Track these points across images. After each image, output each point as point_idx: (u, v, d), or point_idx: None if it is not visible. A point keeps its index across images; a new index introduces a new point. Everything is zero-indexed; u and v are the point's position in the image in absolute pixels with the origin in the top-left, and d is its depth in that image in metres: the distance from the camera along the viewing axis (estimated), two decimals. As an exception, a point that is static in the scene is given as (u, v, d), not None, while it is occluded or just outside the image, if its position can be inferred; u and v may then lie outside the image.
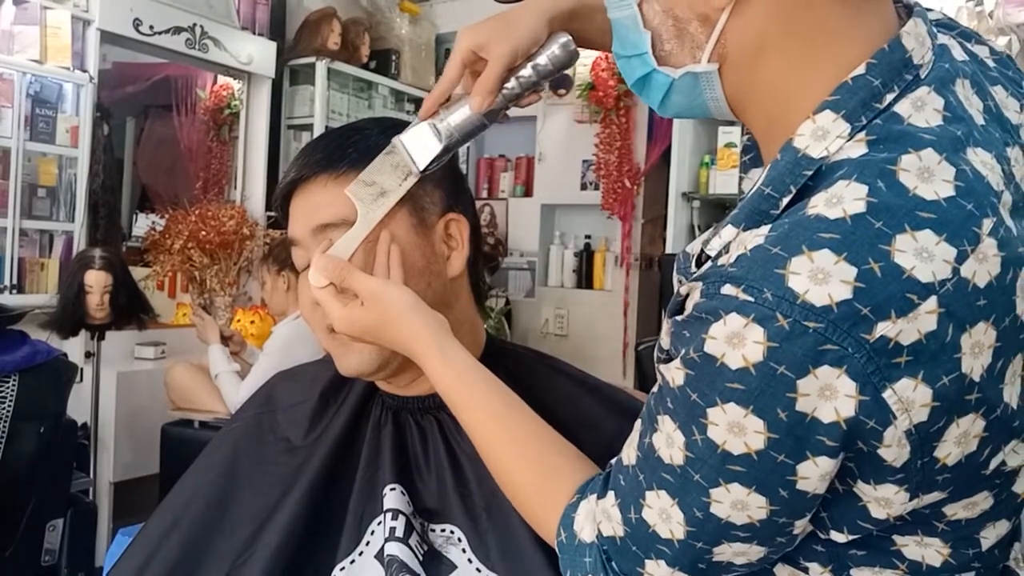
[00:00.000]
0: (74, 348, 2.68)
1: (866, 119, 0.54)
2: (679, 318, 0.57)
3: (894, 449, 0.51)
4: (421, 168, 0.80)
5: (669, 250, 3.24)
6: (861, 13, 0.56)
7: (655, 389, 0.61)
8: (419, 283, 0.83)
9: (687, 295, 0.58)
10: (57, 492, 2.25)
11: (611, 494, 0.64)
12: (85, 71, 2.95)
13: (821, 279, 0.49)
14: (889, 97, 0.54)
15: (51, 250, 3.01)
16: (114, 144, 3.77)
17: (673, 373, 0.56)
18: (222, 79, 3.88)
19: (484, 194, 4.26)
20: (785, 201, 0.55)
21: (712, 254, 0.58)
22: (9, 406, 2.02)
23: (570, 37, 0.77)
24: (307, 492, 0.85)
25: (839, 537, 0.58)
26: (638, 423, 0.65)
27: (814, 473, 0.52)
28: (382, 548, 0.79)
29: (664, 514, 0.58)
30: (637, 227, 3.75)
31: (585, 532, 0.66)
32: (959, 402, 0.50)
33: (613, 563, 0.63)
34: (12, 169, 2.78)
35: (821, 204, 0.51)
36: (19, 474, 2.03)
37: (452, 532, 0.81)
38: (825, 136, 0.55)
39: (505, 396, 0.76)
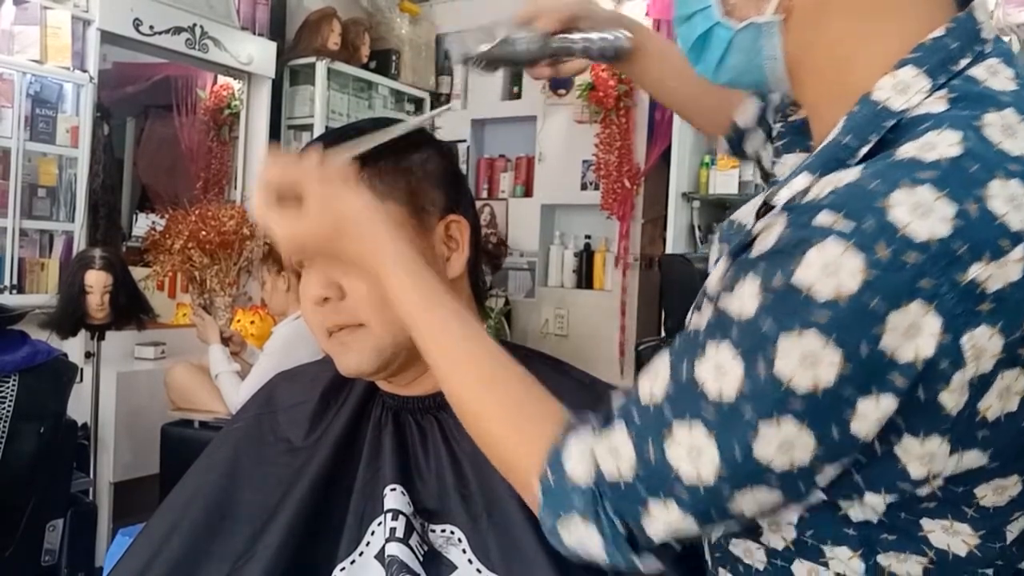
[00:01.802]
0: (74, 348, 2.68)
1: (945, 78, 0.55)
2: (751, 255, 0.55)
3: (956, 395, 0.51)
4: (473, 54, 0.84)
5: (669, 250, 3.24)
6: None
7: (698, 324, 0.58)
8: None
9: (756, 235, 0.56)
10: (57, 492, 2.25)
11: (619, 431, 0.60)
12: (85, 71, 2.95)
13: (922, 213, 0.49)
14: (964, 61, 0.56)
15: (51, 250, 3.01)
16: (114, 144, 3.78)
17: (743, 302, 0.54)
18: (222, 79, 3.88)
19: (484, 194, 4.26)
20: (864, 151, 0.55)
21: (781, 203, 0.57)
22: (9, 406, 2.02)
23: (631, 39, 0.83)
24: (308, 492, 0.85)
25: (875, 501, 0.57)
26: (660, 359, 0.60)
27: (872, 415, 0.51)
28: (383, 548, 0.79)
29: (694, 451, 0.55)
30: (637, 227, 3.75)
31: (579, 471, 0.60)
32: (1014, 356, 0.51)
33: (607, 505, 0.59)
34: (12, 169, 2.78)
35: (913, 150, 0.52)
36: (19, 474, 2.03)
37: (452, 532, 0.81)
38: (906, 90, 0.55)
39: (477, 327, 0.70)
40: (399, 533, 0.79)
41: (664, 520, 0.57)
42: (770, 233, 0.54)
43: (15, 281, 2.86)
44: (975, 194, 0.49)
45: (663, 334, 2.92)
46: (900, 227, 0.49)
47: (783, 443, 0.53)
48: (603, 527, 0.59)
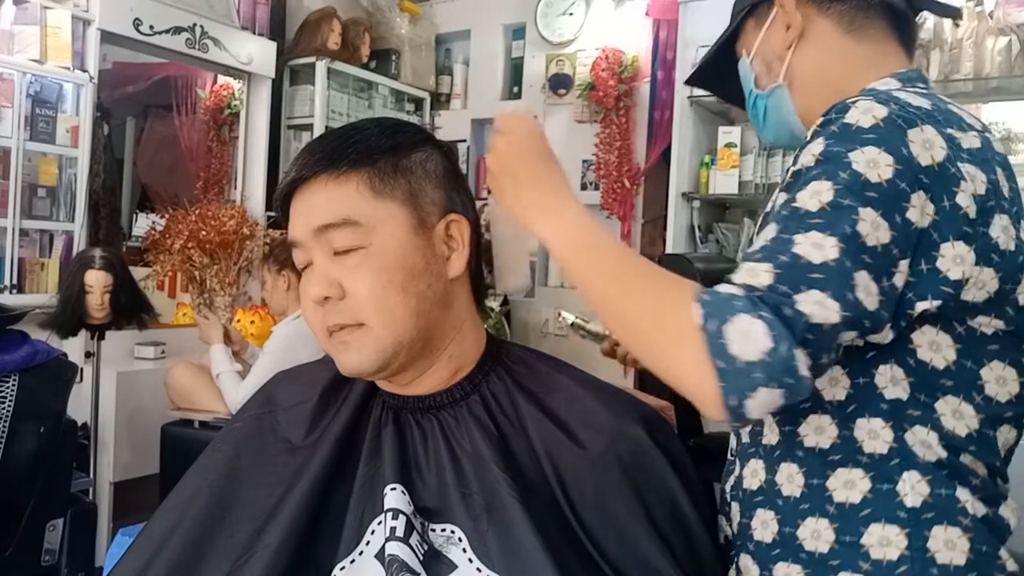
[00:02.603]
0: (74, 348, 2.68)
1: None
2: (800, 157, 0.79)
3: (967, 196, 0.75)
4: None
5: (669, 250, 3.24)
6: (878, 45, 0.92)
7: (785, 201, 0.76)
8: (419, 284, 0.83)
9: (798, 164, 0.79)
10: (57, 492, 2.25)
11: (750, 265, 0.72)
12: (85, 71, 2.95)
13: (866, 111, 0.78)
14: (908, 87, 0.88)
15: (51, 250, 3.01)
16: (114, 144, 3.78)
17: (807, 158, 0.77)
18: (222, 79, 3.88)
19: (484, 194, 4.26)
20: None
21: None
22: (9, 406, 2.02)
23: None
24: (308, 492, 0.85)
25: (925, 306, 0.75)
26: (764, 232, 0.76)
27: (919, 204, 0.73)
28: (383, 547, 0.79)
29: (817, 245, 0.70)
30: (637, 227, 3.74)
31: (730, 288, 0.71)
32: (988, 207, 0.77)
33: (763, 299, 0.68)
34: (12, 169, 2.77)
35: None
36: (19, 474, 2.03)
37: (453, 532, 0.81)
38: (886, 84, 0.88)
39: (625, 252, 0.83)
40: (399, 532, 0.79)
41: (811, 302, 0.68)
42: (807, 151, 0.78)
43: (15, 281, 2.85)
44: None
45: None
46: (904, 102, 0.80)
47: (872, 222, 0.71)
48: (764, 315, 0.67)
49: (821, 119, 0.81)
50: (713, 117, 3.30)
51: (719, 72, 1.07)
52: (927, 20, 2.63)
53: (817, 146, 0.77)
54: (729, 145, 3.13)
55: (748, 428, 0.90)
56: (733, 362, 0.66)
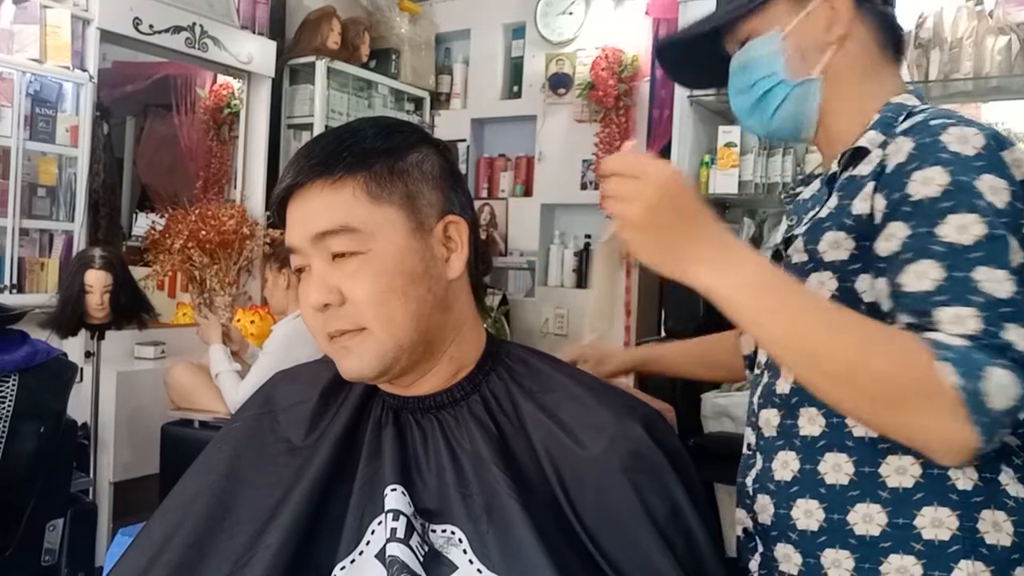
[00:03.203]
0: (74, 348, 2.68)
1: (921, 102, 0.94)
2: (899, 175, 0.81)
3: None
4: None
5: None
6: (891, 65, 0.97)
7: (915, 234, 0.77)
8: (419, 288, 0.83)
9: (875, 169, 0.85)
10: (57, 492, 2.25)
11: (951, 313, 0.73)
12: (85, 70, 2.94)
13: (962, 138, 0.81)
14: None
15: (51, 250, 3.01)
16: (114, 143, 3.77)
17: (930, 188, 0.77)
18: (222, 78, 3.88)
19: (484, 194, 4.26)
20: (901, 119, 0.89)
21: (871, 148, 0.89)
22: (9, 406, 2.01)
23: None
24: (308, 492, 0.85)
25: None
26: (916, 269, 0.76)
27: None
28: (383, 548, 0.79)
29: (994, 279, 0.73)
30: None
31: (957, 340, 0.71)
32: None
33: (992, 349, 0.70)
34: (12, 168, 2.77)
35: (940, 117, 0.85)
36: (19, 474, 2.03)
37: (453, 533, 0.81)
38: (909, 100, 0.93)
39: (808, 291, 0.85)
40: (400, 534, 0.79)
41: (1017, 336, 0.72)
42: (895, 157, 0.82)
43: (15, 281, 2.85)
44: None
45: (663, 334, 2.92)
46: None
47: (1015, 248, 0.75)
48: (1003, 363, 0.70)
49: (908, 141, 0.82)
50: (713, 116, 3.30)
51: (695, 49, 1.04)
52: (927, 20, 2.63)
53: (939, 175, 0.77)
54: (729, 145, 3.12)
55: (773, 423, 0.94)
56: (989, 413, 0.69)
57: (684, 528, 0.85)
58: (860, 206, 0.85)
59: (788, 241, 0.97)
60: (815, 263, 0.90)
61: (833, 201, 0.91)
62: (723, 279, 0.76)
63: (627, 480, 0.84)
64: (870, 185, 0.85)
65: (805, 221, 0.95)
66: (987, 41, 2.54)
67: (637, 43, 3.69)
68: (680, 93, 3.19)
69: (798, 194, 1.06)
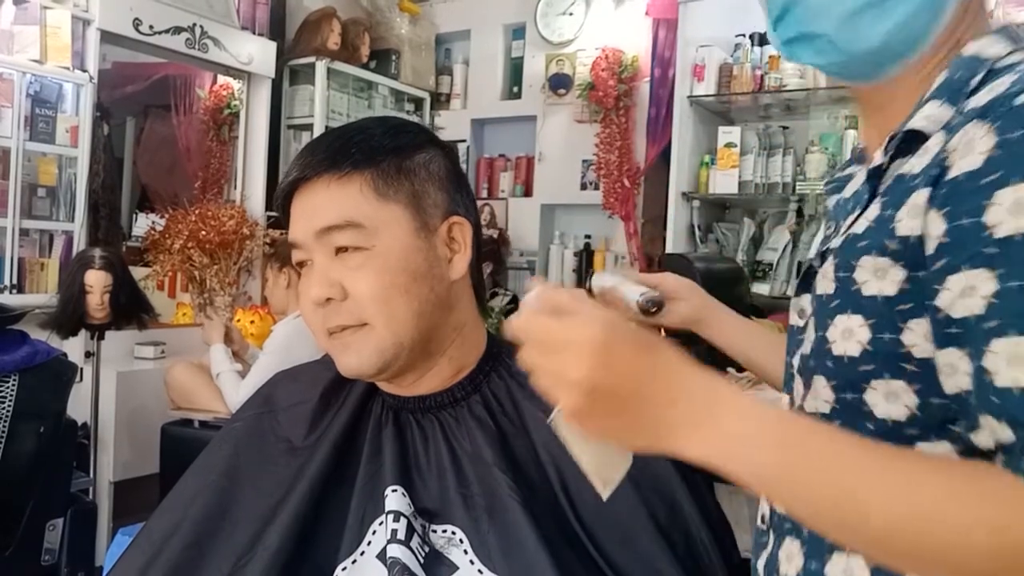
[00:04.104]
0: (74, 348, 2.68)
1: (1014, 46, 0.65)
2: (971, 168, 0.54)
3: None
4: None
5: (669, 249, 3.24)
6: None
7: (986, 290, 0.51)
8: (422, 287, 0.83)
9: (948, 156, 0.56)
10: (57, 492, 2.25)
11: (1009, 349, 0.49)
12: (85, 71, 2.95)
13: None
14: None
15: (51, 250, 3.01)
16: (114, 144, 3.78)
17: (973, 158, 0.53)
18: (222, 79, 3.88)
19: (484, 194, 4.26)
20: (975, 82, 0.60)
21: (931, 130, 0.60)
22: (9, 406, 2.02)
23: (661, 301, 0.86)
24: (308, 493, 0.84)
25: None
26: (966, 279, 0.52)
27: None
28: (384, 549, 0.79)
29: None
30: (637, 226, 3.75)
31: None
32: None
33: None
34: (12, 169, 2.77)
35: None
36: (19, 474, 2.03)
37: (454, 533, 0.81)
38: (992, 47, 0.65)
39: (849, 435, 0.56)
40: (400, 535, 0.78)
41: None
42: (971, 147, 0.54)
43: (15, 281, 2.86)
44: None
45: (662, 334, 2.92)
46: None
47: None
48: None
49: (984, 130, 0.54)
50: (713, 117, 3.31)
51: None
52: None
53: (985, 139, 0.53)
54: (729, 145, 3.13)
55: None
56: None
57: (685, 528, 0.84)
58: (908, 225, 0.57)
59: (824, 256, 0.67)
60: (843, 298, 0.62)
61: (874, 209, 0.62)
62: (719, 446, 0.55)
63: (628, 480, 0.84)
64: (923, 194, 0.56)
65: (843, 231, 0.66)
66: (987, 41, 2.53)
67: (637, 43, 3.69)
68: (680, 93, 3.20)
69: (842, 186, 0.75)
